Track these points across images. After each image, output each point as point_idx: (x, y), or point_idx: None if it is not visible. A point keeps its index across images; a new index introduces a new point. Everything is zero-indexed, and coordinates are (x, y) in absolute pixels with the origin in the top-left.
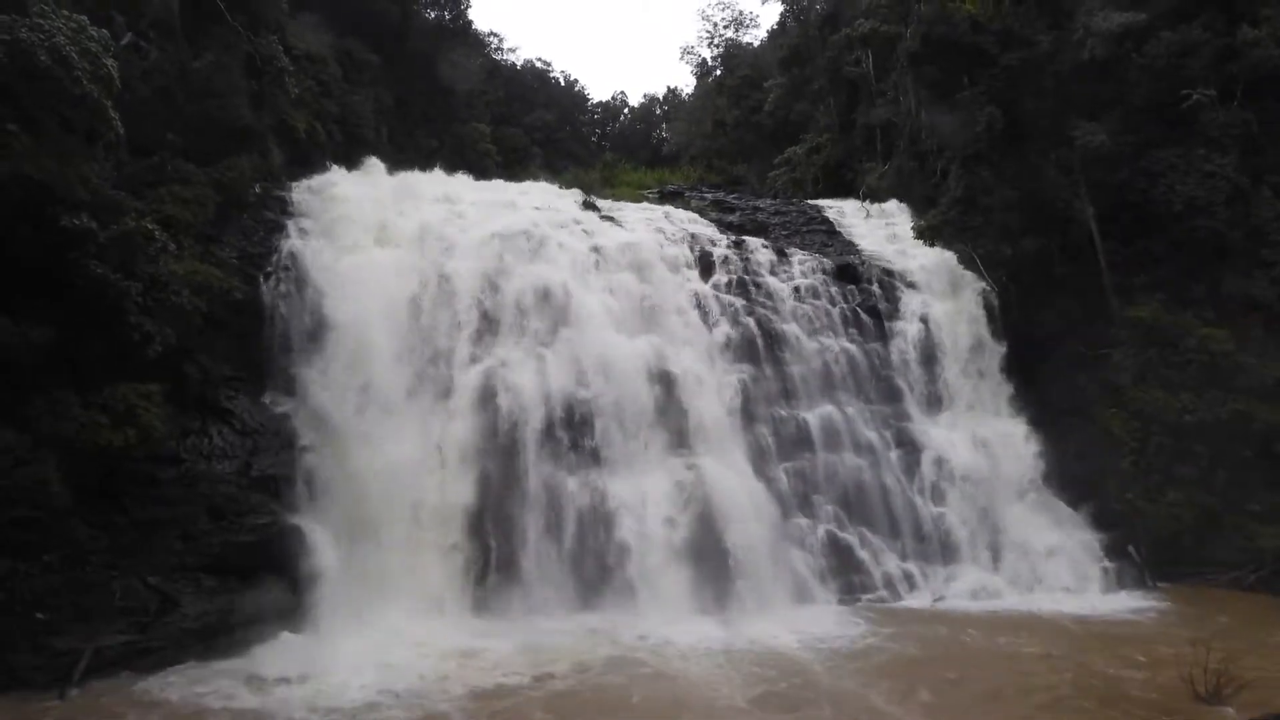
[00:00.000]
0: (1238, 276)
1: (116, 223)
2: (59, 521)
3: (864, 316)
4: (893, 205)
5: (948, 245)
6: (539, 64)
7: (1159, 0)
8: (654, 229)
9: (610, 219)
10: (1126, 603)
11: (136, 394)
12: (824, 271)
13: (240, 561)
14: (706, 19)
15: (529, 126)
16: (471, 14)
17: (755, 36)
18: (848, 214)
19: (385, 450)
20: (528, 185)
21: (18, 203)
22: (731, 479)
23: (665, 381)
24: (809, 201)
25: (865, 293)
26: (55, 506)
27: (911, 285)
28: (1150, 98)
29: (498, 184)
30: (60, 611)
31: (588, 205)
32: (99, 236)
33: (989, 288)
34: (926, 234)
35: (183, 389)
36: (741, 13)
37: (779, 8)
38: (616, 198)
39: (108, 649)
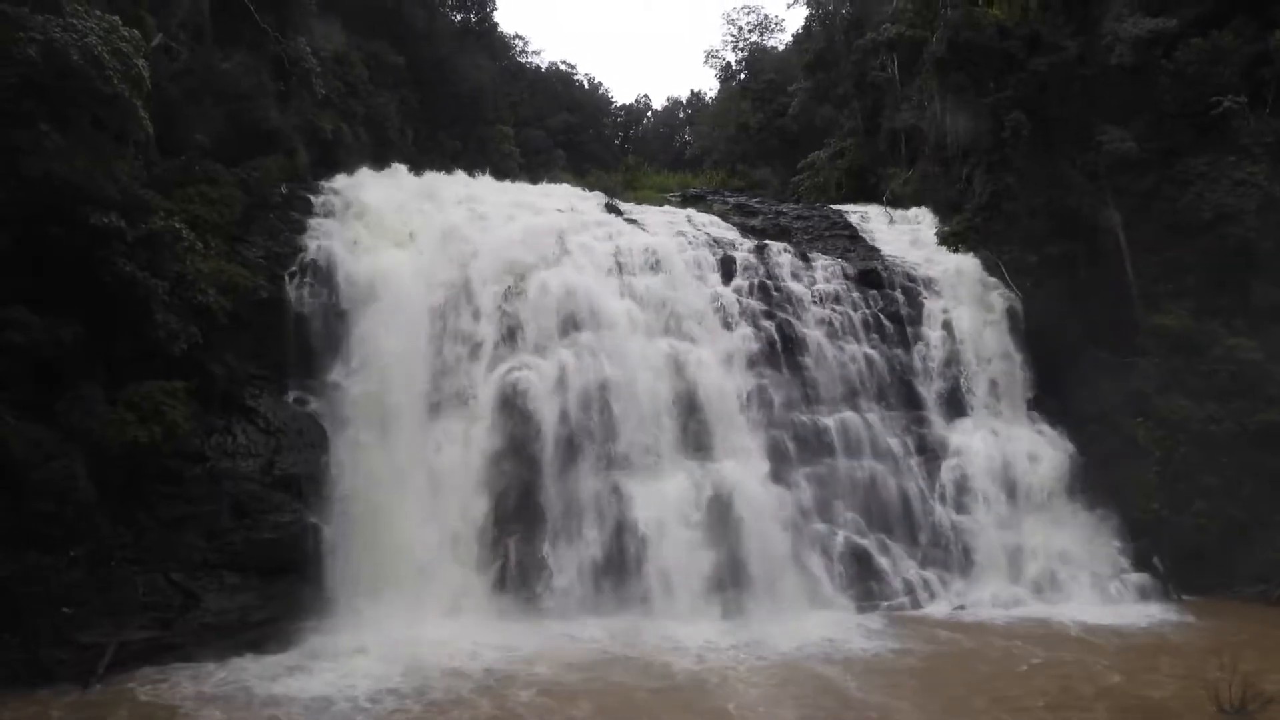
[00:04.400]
0: (1267, 285)
1: (145, 222)
2: (85, 517)
3: (886, 322)
4: (916, 211)
5: (972, 251)
6: (563, 66)
7: (1189, 6)
8: (676, 232)
9: (633, 222)
10: (1150, 614)
11: (162, 391)
12: (846, 276)
13: (262, 559)
14: (731, 22)
15: (552, 129)
16: (497, 16)
17: (780, 40)
18: (871, 219)
19: (406, 450)
20: (550, 187)
21: (49, 201)
22: (751, 483)
23: (685, 385)
24: (832, 206)
25: (888, 298)
26: (81, 502)
27: (935, 291)
28: (1179, 104)
29: (521, 186)
30: (85, 606)
31: (610, 208)
32: (128, 235)
33: (1013, 294)
34: (950, 240)
35: (207, 387)
36: (766, 16)
37: (804, 12)
38: (639, 201)
39: (132, 643)
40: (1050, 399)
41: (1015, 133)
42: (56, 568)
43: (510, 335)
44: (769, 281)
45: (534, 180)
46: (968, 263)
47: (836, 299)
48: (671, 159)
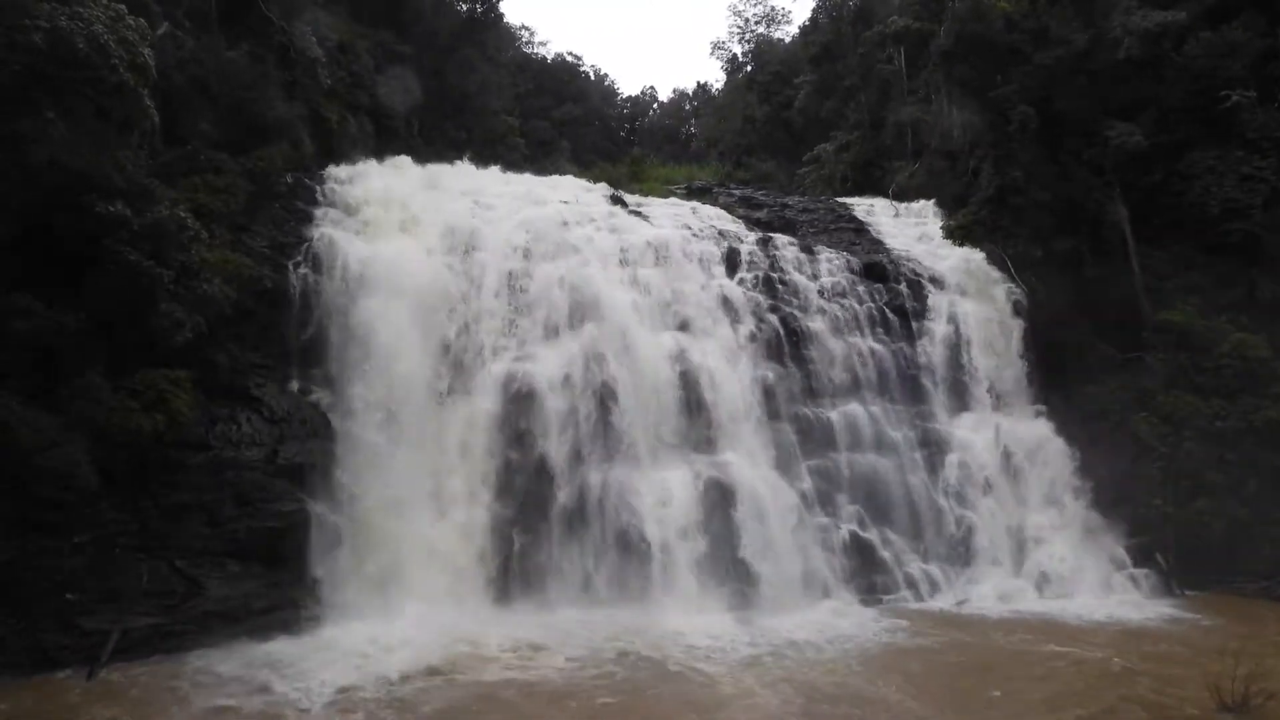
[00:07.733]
0: (1274, 281)
1: (150, 210)
2: (88, 504)
3: (891, 316)
4: (922, 204)
5: (977, 245)
6: (569, 58)
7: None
8: (681, 225)
9: (638, 214)
10: (1152, 610)
11: (166, 380)
12: (851, 270)
13: (265, 547)
14: (738, 14)
15: (557, 120)
16: (503, 7)
17: (786, 32)
18: (877, 212)
19: (410, 440)
20: (555, 179)
21: (54, 189)
22: (754, 476)
23: (690, 377)
24: (837, 199)
25: (893, 292)
26: (85, 489)
27: (940, 285)
28: (1188, 98)
29: (525, 177)
30: (89, 593)
31: (615, 200)
32: (133, 224)
33: (1018, 288)
34: (956, 234)
35: (211, 376)
36: (773, 8)
37: (811, 4)
38: (644, 193)
39: (135, 630)
40: (1055, 394)
41: (1022, 127)
42: (59, 554)
43: (515, 326)
44: (774, 274)
45: (538, 172)
46: (973, 257)
47: (841, 292)
48: (677, 151)
